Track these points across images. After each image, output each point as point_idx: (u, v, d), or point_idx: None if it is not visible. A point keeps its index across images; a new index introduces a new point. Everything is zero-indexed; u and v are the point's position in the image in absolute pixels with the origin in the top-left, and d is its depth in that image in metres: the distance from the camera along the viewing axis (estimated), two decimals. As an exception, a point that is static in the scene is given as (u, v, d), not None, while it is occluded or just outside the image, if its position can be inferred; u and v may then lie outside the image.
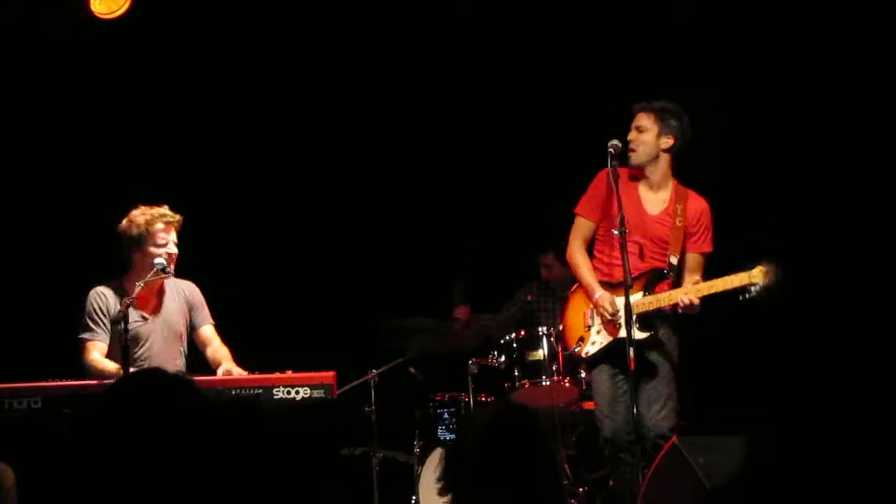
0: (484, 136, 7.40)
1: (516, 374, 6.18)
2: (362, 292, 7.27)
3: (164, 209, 5.23)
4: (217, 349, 5.26)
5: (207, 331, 5.33)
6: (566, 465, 6.05)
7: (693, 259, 5.33)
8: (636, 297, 5.17)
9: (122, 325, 4.76)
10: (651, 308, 5.18)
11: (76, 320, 5.28)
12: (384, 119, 7.36)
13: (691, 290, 5.12)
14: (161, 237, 5.15)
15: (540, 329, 6.19)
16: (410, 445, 6.36)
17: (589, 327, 5.36)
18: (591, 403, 5.74)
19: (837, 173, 6.68)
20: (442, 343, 6.53)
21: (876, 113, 6.60)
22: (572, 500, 5.97)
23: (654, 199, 5.36)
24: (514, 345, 6.22)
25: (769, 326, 5.17)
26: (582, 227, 5.46)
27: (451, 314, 6.77)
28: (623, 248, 5.04)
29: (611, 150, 5.13)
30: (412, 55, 7.24)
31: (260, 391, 4.82)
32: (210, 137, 7.20)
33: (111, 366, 4.98)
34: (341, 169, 7.45)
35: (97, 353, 5.10)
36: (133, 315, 5.12)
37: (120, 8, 5.73)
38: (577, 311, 5.45)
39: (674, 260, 5.28)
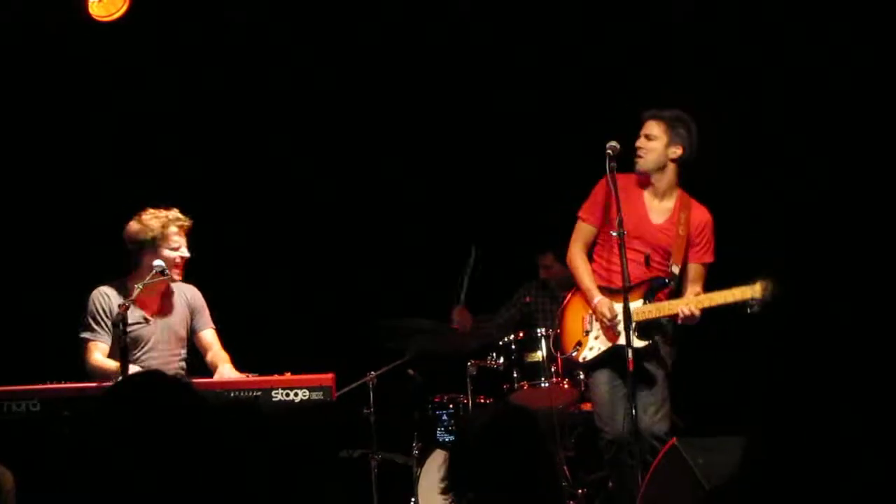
0: (484, 137, 7.39)
1: (515, 375, 6.17)
2: (361, 293, 7.27)
3: (177, 212, 5.23)
4: (217, 353, 5.26)
5: (208, 335, 5.33)
6: (565, 467, 6.05)
7: (694, 269, 5.32)
8: (636, 304, 5.17)
9: (121, 327, 4.75)
10: (651, 316, 5.18)
11: (75, 322, 5.28)
12: (384, 119, 7.36)
13: (692, 301, 5.12)
14: (175, 240, 5.16)
15: (539, 330, 6.18)
16: (409, 447, 6.35)
17: (587, 332, 5.35)
18: (590, 405, 5.74)
19: (837, 173, 6.67)
20: (441, 344, 6.52)
21: (876, 113, 6.60)
22: (571, 502, 5.96)
23: (659, 207, 5.35)
24: (513, 346, 6.21)
25: (767, 327, 5.16)
26: (583, 231, 5.45)
27: (449, 317, 6.76)
28: (621, 250, 5.03)
29: (609, 151, 5.11)
30: (412, 55, 7.24)
31: (259, 393, 4.82)
32: (210, 137, 7.20)
33: (112, 366, 4.97)
34: (341, 169, 7.44)
35: (99, 353, 5.10)
36: (135, 317, 5.12)
37: (118, 10, 5.74)
38: (575, 315, 5.44)
39: (675, 269, 5.28)
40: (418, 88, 7.31)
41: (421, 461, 6.22)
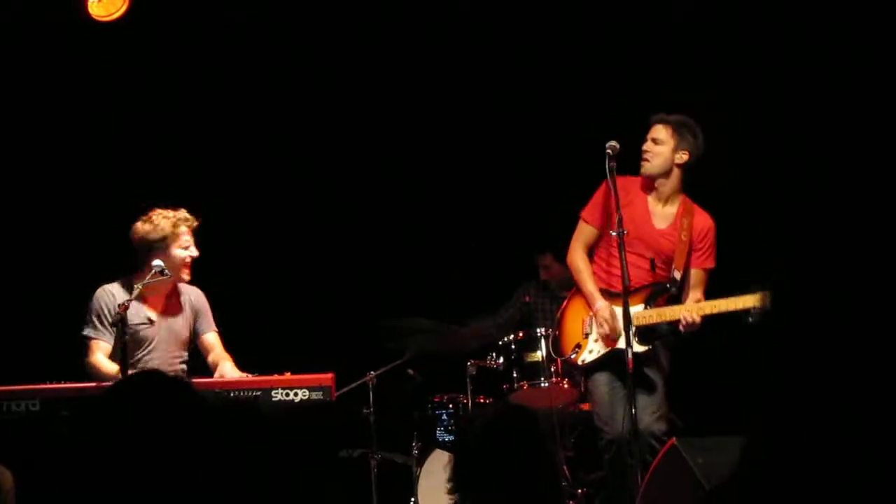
0: (483, 136, 7.39)
1: (515, 375, 6.17)
2: (361, 293, 7.27)
3: (185, 212, 5.24)
4: (218, 355, 5.26)
5: (211, 338, 5.33)
6: (565, 467, 6.05)
7: (696, 275, 5.32)
8: (637, 309, 5.17)
9: (120, 327, 4.75)
10: (652, 321, 5.18)
11: (75, 322, 5.28)
12: (384, 119, 7.36)
13: (693, 308, 5.12)
14: (185, 240, 5.19)
15: (538, 330, 6.18)
16: (409, 447, 6.35)
17: (587, 335, 5.34)
18: (589, 405, 5.74)
19: (838, 174, 6.67)
20: (441, 344, 6.52)
21: (876, 113, 6.60)
22: (571, 502, 5.96)
23: (662, 212, 5.35)
24: (513, 346, 6.21)
25: (767, 328, 5.16)
26: (585, 232, 5.44)
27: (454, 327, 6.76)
28: (621, 249, 5.03)
29: (609, 150, 5.10)
30: (412, 55, 7.24)
31: (258, 393, 4.82)
32: (210, 137, 7.20)
33: (111, 369, 4.98)
34: (341, 169, 7.44)
35: (100, 353, 5.09)
36: (140, 317, 5.12)
37: (118, 10, 5.73)
38: (575, 317, 5.43)
39: (677, 275, 5.27)
40: (418, 88, 7.30)
41: (420, 461, 6.22)
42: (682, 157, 5.29)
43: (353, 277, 7.38)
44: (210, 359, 5.27)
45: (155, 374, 2.45)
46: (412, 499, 6.17)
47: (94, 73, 6.86)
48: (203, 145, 7.18)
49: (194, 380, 4.87)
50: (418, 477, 6.16)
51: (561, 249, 5.71)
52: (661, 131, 5.31)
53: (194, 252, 5.20)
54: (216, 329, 5.36)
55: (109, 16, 5.76)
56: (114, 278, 5.28)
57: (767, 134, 6.80)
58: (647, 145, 5.32)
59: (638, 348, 5.11)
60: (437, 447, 6.24)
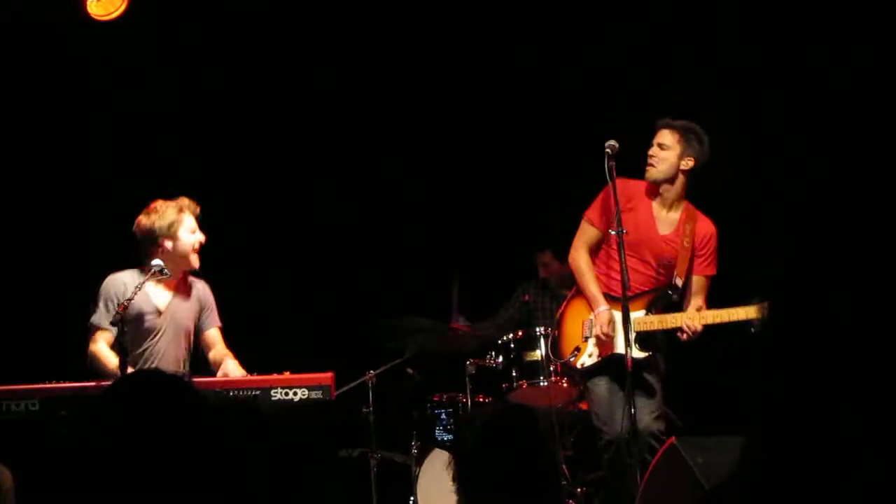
0: (483, 136, 7.39)
1: (514, 374, 6.17)
2: (361, 292, 7.27)
3: (187, 199, 5.23)
4: (220, 351, 5.25)
5: (213, 333, 5.32)
6: (564, 466, 6.05)
7: (697, 281, 5.32)
8: (638, 314, 5.17)
9: (120, 326, 4.74)
10: (652, 328, 5.18)
11: (74, 322, 5.27)
12: (384, 119, 7.36)
13: (696, 318, 5.12)
14: (191, 224, 5.17)
15: (538, 329, 6.18)
16: (408, 446, 6.36)
17: (586, 338, 5.33)
18: (588, 405, 5.74)
19: (837, 174, 6.68)
20: (441, 343, 6.52)
21: (876, 113, 6.61)
22: (570, 501, 5.96)
23: (666, 218, 5.34)
24: (512, 345, 6.21)
25: (768, 332, 5.17)
26: (588, 233, 5.43)
27: (450, 324, 6.76)
28: (620, 248, 5.03)
29: (608, 150, 5.10)
30: (412, 55, 7.24)
31: (258, 392, 4.80)
32: (210, 137, 7.20)
33: (110, 363, 4.94)
34: (341, 169, 7.44)
35: (103, 342, 5.07)
36: (147, 306, 5.11)
37: (116, 10, 5.73)
38: (575, 319, 5.42)
39: (678, 282, 5.27)
40: (418, 88, 7.31)
41: (420, 460, 6.22)
42: (688, 163, 5.27)
43: (352, 277, 7.38)
44: (211, 355, 5.26)
45: (154, 374, 2.45)
46: (411, 498, 6.17)
47: (93, 72, 6.86)
48: (203, 145, 7.18)
49: (194, 379, 4.86)
50: (418, 476, 6.16)
51: (560, 247, 5.70)
52: (667, 137, 5.29)
53: (201, 236, 5.19)
54: (219, 324, 5.35)
55: (108, 15, 5.75)
56: (127, 268, 5.24)
57: (767, 134, 6.80)
58: (653, 150, 5.29)
59: (637, 354, 5.11)
60: (437, 446, 6.24)
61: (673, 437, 4.62)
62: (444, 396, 6.56)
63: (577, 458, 6.30)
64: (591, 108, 6.96)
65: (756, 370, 6.26)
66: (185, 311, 5.24)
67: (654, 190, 5.33)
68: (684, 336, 5.14)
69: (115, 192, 6.78)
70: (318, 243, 7.37)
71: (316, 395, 4.83)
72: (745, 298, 5.10)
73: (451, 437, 6.31)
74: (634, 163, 5.36)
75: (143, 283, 4.97)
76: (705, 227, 5.36)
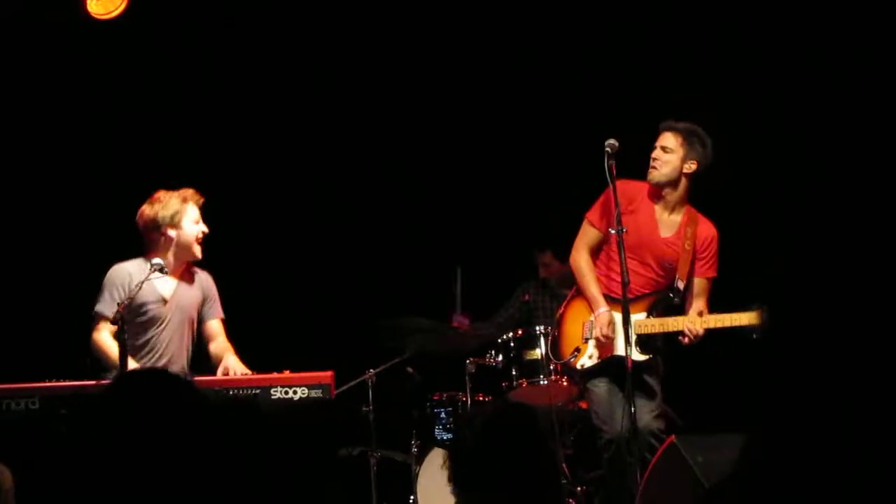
0: (483, 135, 7.39)
1: (514, 373, 6.17)
2: (361, 291, 7.27)
3: (191, 190, 5.23)
4: (220, 344, 5.26)
5: (215, 325, 5.33)
6: (564, 465, 6.05)
7: (699, 283, 5.31)
8: (639, 317, 5.17)
9: (120, 325, 4.74)
10: (653, 331, 5.18)
11: (74, 320, 5.27)
12: (384, 119, 7.36)
13: (698, 322, 5.11)
14: (195, 215, 5.17)
15: (538, 328, 6.18)
16: (408, 445, 6.36)
17: (587, 339, 5.32)
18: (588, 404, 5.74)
19: (837, 174, 6.68)
20: (441, 343, 6.52)
21: (876, 113, 6.61)
22: (570, 500, 5.96)
23: (668, 221, 5.33)
24: (512, 344, 6.21)
25: (766, 335, 5.18)
26: (589, 234, 5.42)
27: (450, 323, 6.75)
28: (620, 248, 5.02)
29: (608, 149, 5.09)
30: (412, 55, 7.24)
31: (258, 391, 4.81)
32: (209, 136, 7.19)
33: (114, 352, 4.91)
34: (341, 168, 7.44)
35: (107, 332, 5.07)
36: (152, 296, 5.11)
37: (116, 8, 5.73)
38: (575, 320, 5.41)
39: (680, 285, 5.26)
40: (418, 88, 7.31)
41: (420, 459, 6.22)
42: (691, 166, 5.26)
43: (352, 276, 7.38)
44: (212, 347, 5.26)
45: (154, 373, 2.45)
46: (411, 497, 6.17)
47: (92, 71, 6.86)
48: (203, 143, 7.18)
49: (194, 378, 4.86)
50: (417, 475, 6.16)
51: (560, 247, 5.70)
52: (670, 139, 5.27)
53: (205, 227, 5.20)
54: (222, 316, 5.35)
55: (108, 14, 5.75)
56: (131, 258, 5.24)
57: (767, 134, 6.81)
58: (656, 153, 5.27)
59: (638, 357, 5.10)
60: (437, 445, 6.24)
61: (673, 436, 4.62)
62: (444, 395, 6.55)
63: (577, 456, 6.30)
64: (591, 107, 6.96)
65: (755, 370, 6.27)
66: (189, 300, 5.25)
67: (656, 192, 5.32)
68: (686, 340, 5.14)
69: (116, 190, 6.78)
70: (318, 242, 7.37)
71: (316, 393, 4.83)
72: (746, 302, 5.11)
73: (450, 436, 6.31)
74: (636, 163, 5.35)
75: (143, 281, 4.97)
76: (706, 230, 5.35)
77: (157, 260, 5.03)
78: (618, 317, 5.17)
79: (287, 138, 7.35)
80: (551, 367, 6.01)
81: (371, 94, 7.31)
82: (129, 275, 5.10)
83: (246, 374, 5.00)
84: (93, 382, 4.76)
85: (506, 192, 7.39)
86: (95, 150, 6.99)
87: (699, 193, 5.42)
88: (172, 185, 5.35)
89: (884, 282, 6.50)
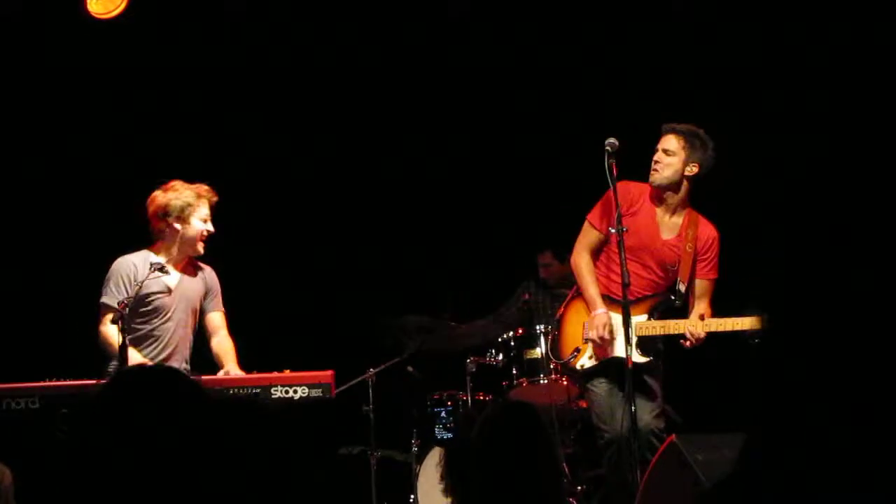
0: (483, 134, 7.39)
1: (514, 372, 6.18)
2: (361, 290, 7.27)
3: (206, 187, 5.22)
4: (222, 340, 5.26)
5: (217, 318, 5.33)
6: (564, 464, 6.05)
7: (701, 285, 5.30)
8: (640, 318, 5.16)
9: (120, 325, 4.74)
10: (654, 333, 5.18)
11: (74, 319, 5.26)
12: (385, 118, 7.36)
13: (699, 325, 5.10)
14: (205, 213, 5.18)
15: (538, 327, 6.19)
16: (408, 444, 6.36)
17: (587, 340, 5.33)
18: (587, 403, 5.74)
19: (838, 173, 6.69)
20: (441, 341, 6.52)
21: (876, 114, 6.62)
22: (570, 499, 5.96)
23: (669, 223, 5.31)
24: (512, 343, 6.22)
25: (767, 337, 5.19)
26: (590, 236, 5.40)
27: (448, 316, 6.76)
28: (620, 247, 5.02)
29: (608, 147, 5.08)
30: (412, 54, 7.24)
31: (258, 390, 4.81)
32: (209, 134, 7.19)
33: (117, 344, 4.91)
34: (342, 166, 7.44)
35: (114, 325, 5.06)
36: (157, 286, 5.11)
37: (116, 8, 5.73)
38: (575, 320, 5.40)
39: (682, 287, 5.25)
40: (418, 88, 7.31)
41: (420, 458, 6.22)
42: (693, 169, 5.24)
43: (353, 275, 7.38)
44: (213, 342, 5.26)
45: (154, 370, 2.44)
46: (411, 496, 6.18)
47: (92, 69, 6.86)
48: (202, 142, 7.18)
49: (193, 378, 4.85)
50: (417, 474, 6.16)
51: (560, 248, 5.69)
52: (671, 142, 5.25)
53: (211, 227, 5.20)
54: (223, 309, 5.36)
55: (108, 13, 5.75)
56: (136, 250, 5.23)
57: (767, 134, 6.81)
58: (658, 156, 5.25)
59: (638, 359, 5.10)
60: (437, 445, 6.25)
61: (673, 435, 4.63)
62: (445, 394, 6.56)
63: (577, 455, 6.31)
64: (592, 105, 6.96)
65: (755, 370, 6.28)
66: (192, 291, 5.26)
67: (657, 195, 5.30)
68: (687, 343, 5.13)
69: (116, 189, 6.78)
70: (318, 241, 7.37)
71: (316, 393, 4.83)
72: (745, 303, 5.10)
73: (450, 435, 6.31)
74: (637, 163, 5.34)
75: (143, 280, 4.97)
76: (708, 232, 5.34)
77: (157, 259, 5.03)
78: (617, 318, 5.16)
79: (287, 136, 7.35)
80: (551, 367, 6.01)
81: (371, 93, 7.31)
82: (133, 266, 5.10)
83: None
84: (93, 381, 4.76)
85: (506, 192, 7.39)
86: (95, 148, 6.99)
87: (700, 195, 5.42)
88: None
89: (882, 285, 6.51)
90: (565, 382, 6.03)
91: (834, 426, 5.57)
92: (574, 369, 5.38)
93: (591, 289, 5.31)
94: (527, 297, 7.00)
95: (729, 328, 5.08)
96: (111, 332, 5.00)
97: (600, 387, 5.27)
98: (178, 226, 5.13)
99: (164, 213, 5.13)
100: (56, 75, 6.83)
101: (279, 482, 2.56)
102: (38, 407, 4.67)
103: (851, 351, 6.42)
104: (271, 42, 7.17)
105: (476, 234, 7.37)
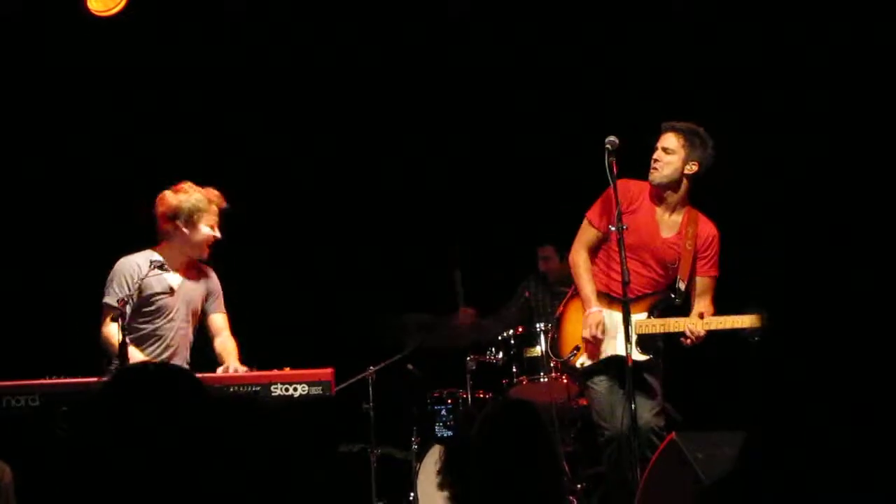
0: (483, 132, 7.40)
1: (514, 370, 6.19)
2: (361, 288, 7.27)
3: (217, 192, 5.21)
4: (225, 341, 5.26)
5: (219, 319, 5.33)
6: (564, 462, 6.05)
7: (702, 283, 5.29)
8: (640, 317, 5.16)
9: (120, 322, 4.74)
10: (654, 331, 5.17)
11: (74, 317, 5.26)
12: (385, 116, 7.36)
13: (699, 324, 5.10)
14: (213, 218, 5.17)
15: (538, 325, 6.20)
16: (408, 442, 6.36)
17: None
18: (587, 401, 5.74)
19: (838, 173, 6.70)
20: (441, 339, 6.52)
21: (876, 114, 6.63)
22: (570, 497, 5.96)
23: (669, 221, 5.30)
24: (512, 341, 6.22)
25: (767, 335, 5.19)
26: (588, 234, 5.40)
27: (454, 319, 6.75)
28: (620, 245, 5.02)
29: (608, 146, 5.08)
30: (412, 53, 7.24)
31: (258, 388, 4.81)
32: (210, 132, 7.19)
33: (118, 345, 4.91)
34: (341, 164, 7.45)
35: (115, 324, 5.06)
36: (160, 286, 5.11)
37: (116, 5, 5.73)
38: (575, 318, 5.39)
39: (681, 285, 5.25)
40: (418, 88, 7.31)
41: (420, 456, 6.22)
42: (692, 167, 5.23)
43: (353, 273, 7.38)
44: (217, 343, 5.26)
45: (156, 368, 2.45)
46: (411, 493, 6.18)
47: (92, 69, 6.86)
48: (203, 140, 7.18)
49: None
50: (417, 472, 6.16)
51: (562, 248, 5.69)
52: (671, 140, 5.23)
53: (218, 233, 5.20)
54: (225, 311, 5.36)
55: (108, 10, 5.75)
56: (139, 250, 5.23)
57: (767, 134, 6.82)
58: (658, 154, 5.23)
59: (638, 357, 5.10)
60: (437, 442, 6.25)
61: (673, 433, 4.63)
62: (445, 392, 6.56)
63: (577, 453, 6.31)
64: (592, 102, 6.96)
65: (755, 368, 6.28)
66: (195, 292, 5.26)
67: (657, 193, 5.30)
68: (688, 341, 5.13)
69: (115, 188, 6.79)
70: (318, 239, 7.37)
71: (316, 390, 4.83)
72: (745, 302, 5.10)
73: (450, 432, 6.31)
74: (638, 161, 5.33)
75: (143, 278, 4.97)
76: (707, 229, 5.33)
77: (156, 257, 5.03)
78: (616, 316, 5.16)
79: (287, 134, 7.35)
80: (551, 365, 6.01)
81: (371, 91, 7.31)
82: (137, 266, 5.10)
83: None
84: (94, 379, 4.76)
85: (507, 189, 7.39)
86: (95, 148, 6.99)
87: (699, 193, 5.42)
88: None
89: (882, 285, 6.51)
90: (565, 380, 6.03)
91: (834, 426, 5.59)
92: (574, 367, 5.37)
93: (587, 287, 5.31)
94: (527, 294, 7.00)
95: (728, 326, 5.08)
96: (112, 331, 4.99)
97: (601, 384, 5.27)
98: (185, 229, 5.12)
99: (174, 214, 5.11)
100: (56, 75, 6.83)
101: (279, 480, 2.56)
102: (38, 404, 4.66)
103: (851, 351, 6.42)
104: (271, 42, 7.17)
105: (476, 234, 7.37)
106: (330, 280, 7.36)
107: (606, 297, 5.28)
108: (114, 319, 4.88)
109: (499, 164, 7.40)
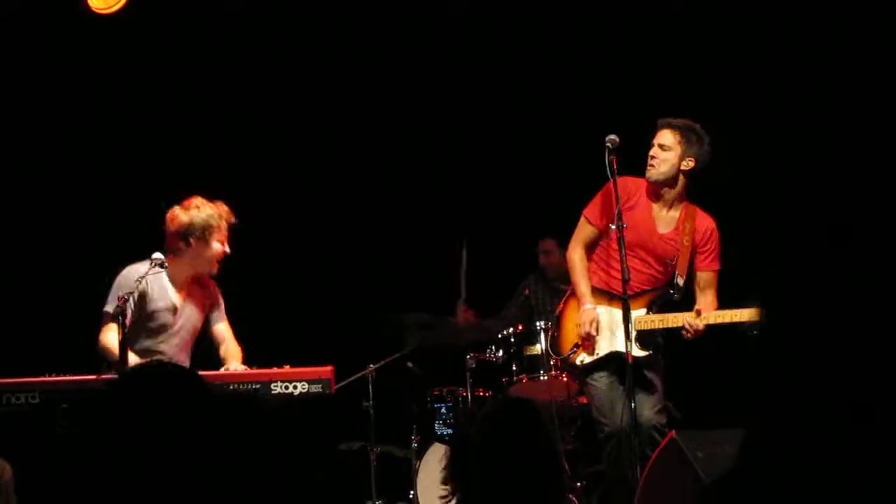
0: (482, 135, 7.40)
1: (514, 368, 6.19)
2: (361, 286, 7.27)
3: (226, 207, 5.22)
4: (230, 345, 5.27)
5: (223, 328, 5.33)
6: (564, 460, 6.05)
7: (704, 277, 5.29)
8: (639, 312, 5.16)
9: (120, 320, 4.73)
10: (654, 327, 5.17)
11: (74, 316, 5.26)
12: (385, 114, 7.36)
13: (698, 319, 5.10)
14: (223, 234, 5.17)
15: (538, 323, 6.20)
16: (408, 440, 6.36)
17: None
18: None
19: (838, 173, 6.70)
20: (441, 337, 6.52)
21: (876, 114, 6.63)
22: (570, 496, 5.96)
23: (666, 217, 5.30)
24: (512, 339, 6.22)
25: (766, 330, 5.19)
26: (585, 230, 5.41)
27: (454, 319, 6.75)
28: (620, 243, 5.02)
29: (608, 144, 5.08)
30: (412, 52, 7.24)
31: (258, 386, 4.81)
32: (210, 131, 7.20)
33: (117, 355, 4.91)
34: (341, 163, 7.45)
35: (114, 333, 5.06)
36: (163, 302, 5.11)
37: (117, 3, 5.73)
38: (574, 316, 5.39)
39: (680, 281, 5.25)
40: (418, 88, 7.31)
41: (420, 454, 6.23)
42: (689, 164, 5.23)
43: (353, 271, 7.38)
44: (221, 350, 5.27)
45: (159, 366, 2.44)
46: (411, 492, 6.18)
47: (92, 69, 6.86)
48: (203, 139, 7.18)
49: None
50: (417, 470, 6.17)
51: (564, 237, 5.69)
52: (667, 137, 5.23)
53: (228, 249, 5.20)
54: (227, 319, 5.37)
55: (108, 8, 5.75)
56: (143, 259, 5.24)
57: (767, 134, 6.82)
58: (654, 151, 5.23)
59: (638, 353, 5.10)
60: (436, 440, 6.25)
61: (673, 431, 4.63)
62: (444, 390, 6.56)
63: (577, 451, 6.30)
64: (592, 100, 6.97)
65: (755, 365, 6.28)
66: (198, 306, 5.26)
67: (654, 190, 5.30)
68: (688, 335, 5.13)
69: (116, 187, 6.79)
70: (318, 237, 7.37)
71: (316, 388, 4.83)
72: (745, 299, 5.10)
73: (450, 431, 6.31)
74: (637, 159, 5.34)
75: (145, 276, 4.97)
76: (705, 223, 5.33)
77: (157, 254, 5.02)
78: (616, 313, 5.16)
79: (288, 132, 7.35)
80: (551, 363, 6.01)
81: (371, 90, 7.31)
82: (138, 273, 5.09)
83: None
84: (93, 377, 4.76)
85: (507, 189, 7.39)
86: (95, 148, 6.99)
87: (698, 192, 5.42)
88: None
89: (882, 285, 6.51)
90: (565, 379, 6.03)
91: (834, 426, 5.59)
92: (574, 365, 5.37)
93: (582, 284, 5.32)
94: (527, 292, 7.00)
95: (727, 320, 5.08)
96: (111, 339, 4.99)
97: (601, 381, 5.26)
98: (197, 246, 5.12)
99: (186, 232, 5.11)
100: (56, 75, 6.83)
101: (279, 478, 2.56)
102: (38, 402, 4.66)
103: (851, 350, 6.42)
104: (271, 42, 7.17)
105: (476, 234, 7.37)
106: (330, 279, 7.35)
107: (606, 295, 5.28)
108: (114, 319, 4.88)
109: (499, 164, 7.40)
